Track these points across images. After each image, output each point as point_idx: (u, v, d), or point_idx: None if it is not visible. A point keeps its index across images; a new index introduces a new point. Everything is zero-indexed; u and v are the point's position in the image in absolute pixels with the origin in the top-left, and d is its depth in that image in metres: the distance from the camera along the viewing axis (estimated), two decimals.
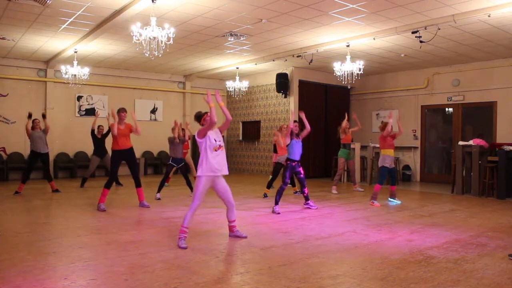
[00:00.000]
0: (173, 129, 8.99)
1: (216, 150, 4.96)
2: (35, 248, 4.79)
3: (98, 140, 10.31)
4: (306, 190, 7.69)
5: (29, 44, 10.43)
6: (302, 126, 7.66)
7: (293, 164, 7.39)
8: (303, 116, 7.58)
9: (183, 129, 9.27)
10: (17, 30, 9.12)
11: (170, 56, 11.60)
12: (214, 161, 4.94)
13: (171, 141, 8.82)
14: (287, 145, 7.47)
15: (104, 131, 10.32)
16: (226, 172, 5.08)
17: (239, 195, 9.09)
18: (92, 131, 10.21)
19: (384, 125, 8.40)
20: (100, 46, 10.62)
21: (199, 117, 5.20)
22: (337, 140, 10.55)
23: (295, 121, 7.63)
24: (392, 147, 8.28)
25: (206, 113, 5.10)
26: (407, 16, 8.00)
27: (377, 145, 9.66)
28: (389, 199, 8.46)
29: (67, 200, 8.57)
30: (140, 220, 6.74)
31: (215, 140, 4.98)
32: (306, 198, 7.74)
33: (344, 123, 10.35)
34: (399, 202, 8.39)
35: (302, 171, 7.57)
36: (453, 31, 8.78)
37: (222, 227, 5.70)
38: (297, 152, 7.41)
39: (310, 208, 7.62)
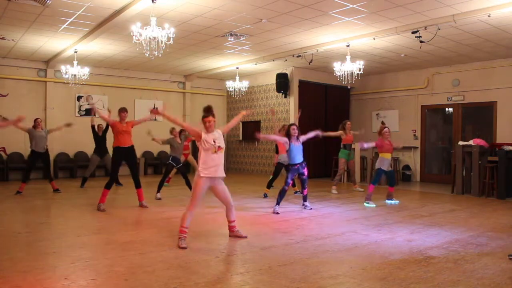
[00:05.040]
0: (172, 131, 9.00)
1: (214, 152, 4.93)
2: (35, 248, 4.79)
3: (99, 137, 10.32)
4: (305, 192, 7.68)
5: (29, 44, 10.43)
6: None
7: (296, 167, 7.37)
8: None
9: (182, 130, 9.24)
10: (17, 30, 9.12)
11: (170, 56, 11.60)
12: (212, 162, 4.93)
13: (171, 142, 8.78)
14: (286, 150, 7.45)
15: (104, 127, 10.35)
16: (223, 174, 5.06)
17: (239, 195, 9.09)
18: (92, 126, 10.27)
19: (381, 130, 8.42)
20: (100, 46, 10.62)
21: (207, 110, 5.06)
22: (337, 140, 10.51)
23: (293, 124, 7.54)
24: (390, 151, 8.30)
25: (206, 116, 5.01)
26: (407, 16, 8.00)
27: None
28: (387, 200, 8.46)
29: (67, 200, 8.57)
30: (140, 220, 6.74)
31: (214, 141, 4.95)
32: (304, 199, 7.73)
33: (348, 124, 10.25)
34: (397, 202, 8.40)
35: (306, 172, 7.53)
36: (453, 31, 8.78)
37: (222, 227, 5.70)
38: (297, 155, 7.35)
39: (305, 208, 7.61)
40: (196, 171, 5.04)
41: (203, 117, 5.02)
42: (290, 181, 7.41)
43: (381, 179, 8.25)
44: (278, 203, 7.30)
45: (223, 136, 5.21)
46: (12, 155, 12.12)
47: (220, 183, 5.10)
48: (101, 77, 13.50)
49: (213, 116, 5.04)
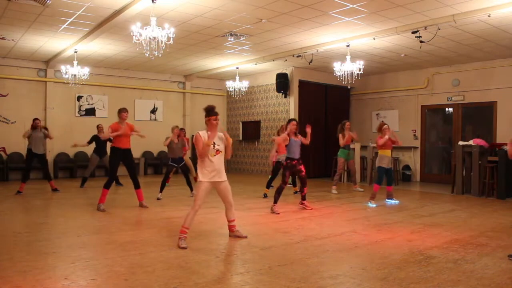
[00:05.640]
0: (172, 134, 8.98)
1: (214, 155, 4.92)
2: (35, 248, 4.79)
3: (98, 138, 10.34)
4: (305, 190, 7.67)
5: (29, 44, 10.42)
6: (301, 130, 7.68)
7: (293, 163, 7.38)
8: (309, 130, 7.65)
9: (182, 129, 9.24)
10: (17, 30, 9.12)
11: (170, 56, 11.60)
12: (213, 166, 4.91)
13: (169, 143, 8.78)
14: (286, 145, 7.47)
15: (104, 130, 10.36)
16: (222, 179, 5.02)
17: (240, 195, 9.09)
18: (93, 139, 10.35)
19: (380, 126, 8.39)
20: (100, 46, 10.62)
21: (213, 109, 4.98)
22: (337, 140, 10.50)
23: (293, 120, 7.59)
24: (389, 148, 8.28)
25: (214, 114, 4.93)
26: (407, 16, 8.00)
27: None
28: (386, 199, 8.46)
29: (67, 200, 8.57)
30: (140, 220, 6.74)
31: (214, 144, 4.93)
32: (303, 198, 7.71)
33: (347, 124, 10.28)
34: (397, 202, 8.40)
35: (303, 169, 7.54)
36: (453, 31, 8.78)
37: (222, 227, 5.70)
38: (296, 151, 7.41)
39: (305, 208, 7.60)
40: (192, 173, 5.02)
41: (211, 115, 4.90)
42: (287, 179, 7.43)
43: (383, 177, 8.23)
44: (276, 202, 7.31)
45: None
46: (12, 155, 12.12)
47: (223, 182, 5.07)
48: (101, 77, 13.50)
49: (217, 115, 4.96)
